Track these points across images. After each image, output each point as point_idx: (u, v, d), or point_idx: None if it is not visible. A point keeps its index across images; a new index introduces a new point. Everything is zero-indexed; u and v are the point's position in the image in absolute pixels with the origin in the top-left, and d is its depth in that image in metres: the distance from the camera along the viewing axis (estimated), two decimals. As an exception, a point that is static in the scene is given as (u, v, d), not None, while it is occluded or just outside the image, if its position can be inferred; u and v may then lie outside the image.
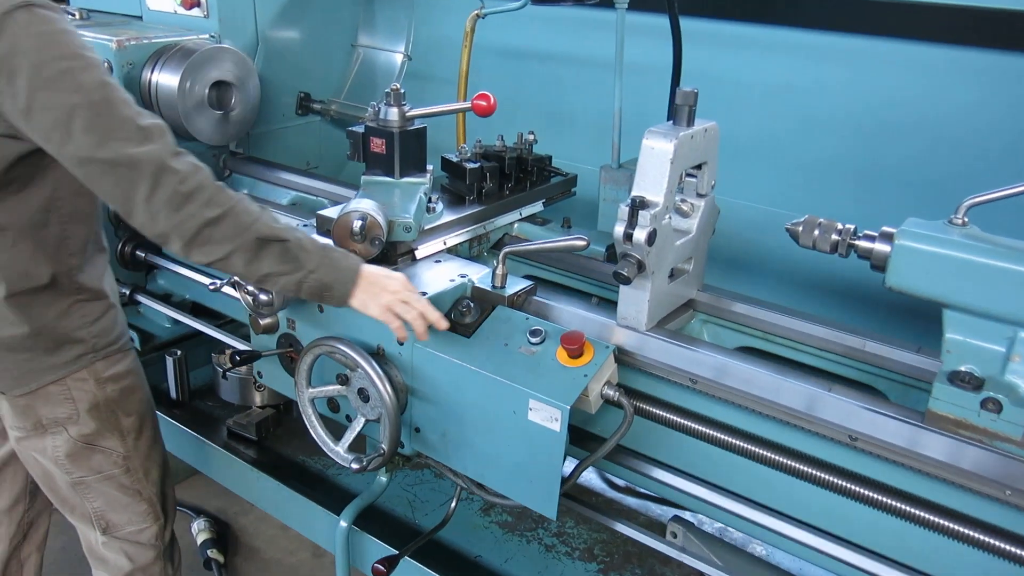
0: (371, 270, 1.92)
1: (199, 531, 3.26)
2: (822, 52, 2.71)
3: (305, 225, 2.37)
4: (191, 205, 1.73)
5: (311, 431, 2.16)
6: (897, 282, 1.65)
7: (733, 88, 2.84)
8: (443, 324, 1.92)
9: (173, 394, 3.35)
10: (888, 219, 1.73)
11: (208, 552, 3.17)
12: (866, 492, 1.74)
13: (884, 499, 1.72)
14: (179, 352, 3.32)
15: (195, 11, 3.24)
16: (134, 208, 1.73)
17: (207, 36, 3.17)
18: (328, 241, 2.06)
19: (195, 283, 3.01)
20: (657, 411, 1.97)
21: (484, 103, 2.25)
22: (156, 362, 3.36)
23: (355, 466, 2.00)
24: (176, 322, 3.20)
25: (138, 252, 3.15)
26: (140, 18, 3.41)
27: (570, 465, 1.99)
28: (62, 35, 1.71)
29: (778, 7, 2.79)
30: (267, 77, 3.40)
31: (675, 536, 2.24)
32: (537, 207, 2.69)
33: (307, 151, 3.69)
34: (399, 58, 3.69)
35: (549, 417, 1.81)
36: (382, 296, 1.89)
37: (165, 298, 3.28)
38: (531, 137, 2.70)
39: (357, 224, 2.06)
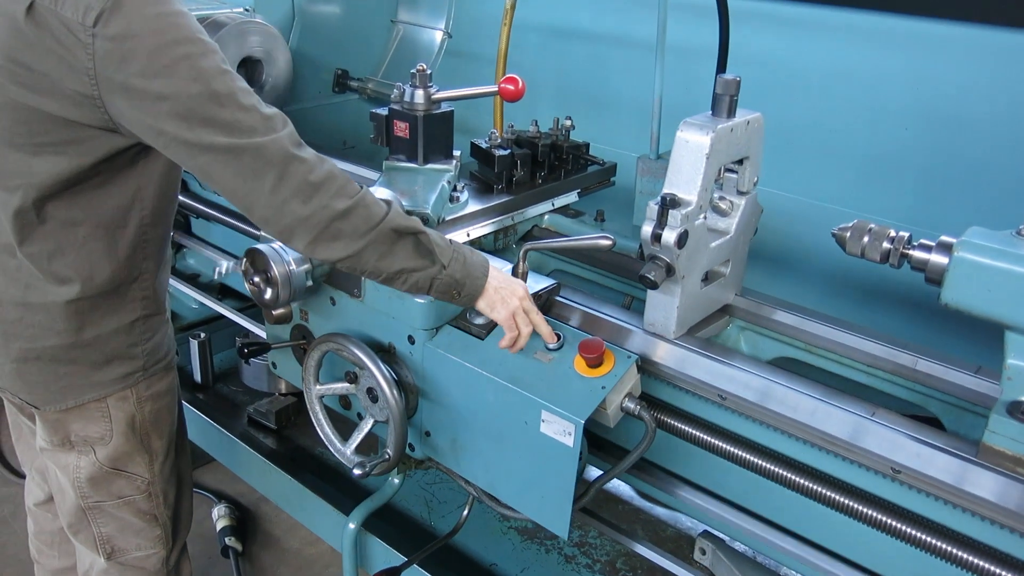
0: (497, 272, 1.80)
1: (219, 517, 3.21)
2: (886, 36, 2.50)
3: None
4: (321, 196, 1.59)
5: (318, 429, 2.05)
6: (954, 299, 1.47)
7: (787, 74, 2.66)
8: (553, 339, 1.79)
9: (197, 377, 3.29)
10: (953, 223, 1.57)
11: (226, 540, 3.12)
12: (910, 530, 1.57)
13: (931, 540, 1.55)
14: (203, 335, 3.25)
15: (230, -17, 3.15)
16: (257, 200, 1.58)
17: (241, 10, 3.07)
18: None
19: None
20: (683, 427, 1.82)
21: (512, 87, 2.12)
22: (181, 344, 3.30)
23: (357, 471, 1.89)
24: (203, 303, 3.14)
25: (166, 230, 3.09)
26: (177, -11, 3.33)
27: (593, 474, 1.87)
28: (179, 17, 1.55)
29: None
30: (303, 53, 3.31)
31: (704, 553, 2.10)
32: (572, 197, 2.53)
33: (344, 130, 3.58)
34: (439, 35, 3.55)
35: (562, 431, 1.68)
36: (511, 301, 1.76)
37: (193, 278, 3.22)
38: (568, 123, 2.55)
39: None
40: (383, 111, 2.23)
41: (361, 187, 1.67)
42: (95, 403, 1.92)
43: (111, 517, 2.07)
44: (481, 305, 1.78)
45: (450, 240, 1.77)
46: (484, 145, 2.40)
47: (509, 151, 2.35)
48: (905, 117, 2.50)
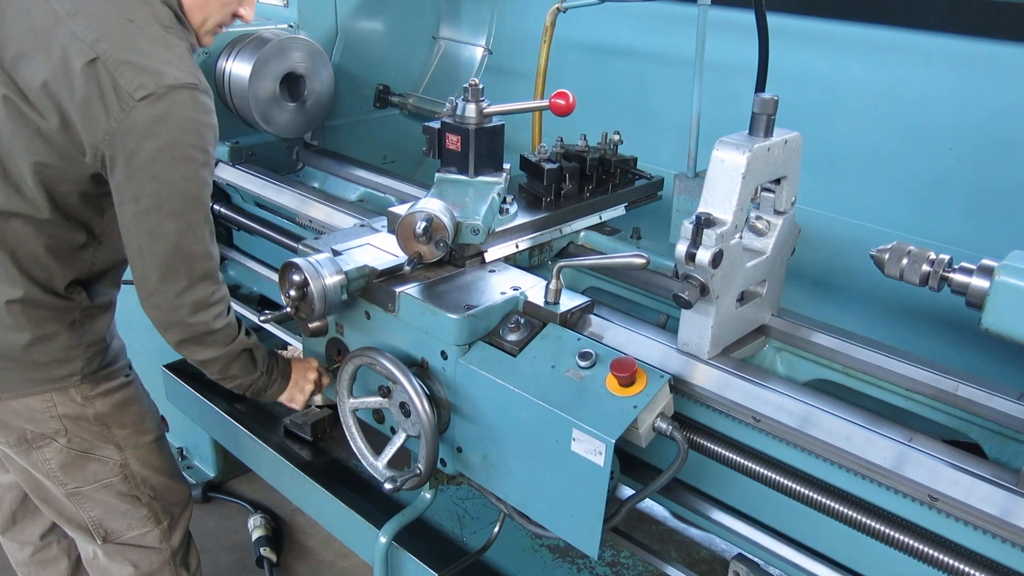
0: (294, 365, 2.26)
1: (254, 527, 3.24)
2: (930, 55, 2.46)
3: (363, 225, 2.30)
4: (206, 312, 1.94)
5: (351, 443, 2.07)
6: (995, 324, 1.44)
7: (830, 93, 2.62)
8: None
9: (236, 387, 3.31)
10: (1001, 247, 1.53)
11: (261, 550, 3.14)
12: (947, 559, 1.53)
13: (968, 570, 1.51)
14: (242, 346, 3.27)
15: (275, 0, 3.20)
16: (159, 290, 1.87)
17: (285, 26, 3.12)
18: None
19: (264, 277, 2.99)
20: (716, 448, 1.80)
21: (563, 102, 2.13)
22: (222, 353, 3.33)
23: (388, 486, 1.89)
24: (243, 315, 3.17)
25: (209, 243, 3.13)
26: (226, 6, 3.38)
27: (625, 493, 1.85)
28: (206, 129, 1.82)
29: (881, 4, 2.54)
30: (345, 68, 3.34)
31: (738, 576, 2.07)
32: (619, 211, 2.54)
33: (385, 144, 3.62)
34: (479, 52, 3.57)
35: (593, 450, 1.67)
36: (306, 388, 2.25)
37: (234, 290, 3.26)
38: (616, 137, 2.55)
39: (421, 225, 1.96)
40: (435, 124, 2.24)
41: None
42: (38, 398, 2.02)
43: (95, 501, 2.17)
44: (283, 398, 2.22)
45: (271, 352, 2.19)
46: (533, 158, 2.42)
47: (558, 164, 2.37)
48: (950, 137, 2.46)
